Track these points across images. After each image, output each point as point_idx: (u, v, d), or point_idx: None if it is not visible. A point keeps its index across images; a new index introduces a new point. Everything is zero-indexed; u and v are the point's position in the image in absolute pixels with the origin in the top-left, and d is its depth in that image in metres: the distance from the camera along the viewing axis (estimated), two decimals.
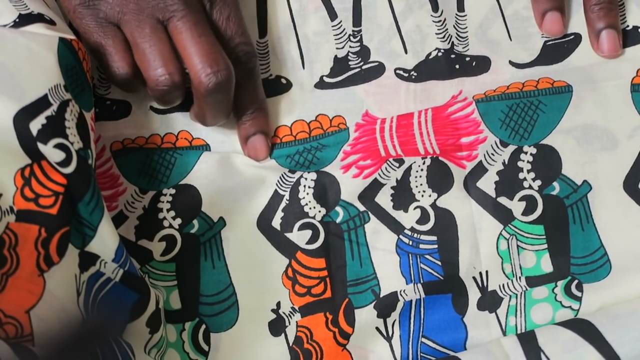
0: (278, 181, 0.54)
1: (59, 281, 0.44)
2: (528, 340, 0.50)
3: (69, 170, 0.45)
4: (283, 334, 0.53)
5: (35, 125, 0.44)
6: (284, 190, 0.54)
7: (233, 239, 0.54)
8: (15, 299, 0.42)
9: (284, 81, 0.56)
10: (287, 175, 0.54)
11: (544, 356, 0.49)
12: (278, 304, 0.53)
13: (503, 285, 0.53)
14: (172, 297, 0.53)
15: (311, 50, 0.56)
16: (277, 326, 0.53)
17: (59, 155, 0.45)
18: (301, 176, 0.54)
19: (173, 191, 0.54)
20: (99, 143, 0.55)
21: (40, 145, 0.44)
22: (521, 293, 0.53)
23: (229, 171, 0.54)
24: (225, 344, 0.53)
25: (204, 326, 0.53)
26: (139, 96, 0.55)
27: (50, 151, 0.44)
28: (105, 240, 0.47)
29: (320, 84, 0.56)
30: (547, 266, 0.53)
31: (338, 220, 0.54)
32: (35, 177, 0.44)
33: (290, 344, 0.53)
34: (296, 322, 0.53)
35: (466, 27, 0.56)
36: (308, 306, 0.53)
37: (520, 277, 0.53)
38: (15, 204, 0.43)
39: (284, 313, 0.53)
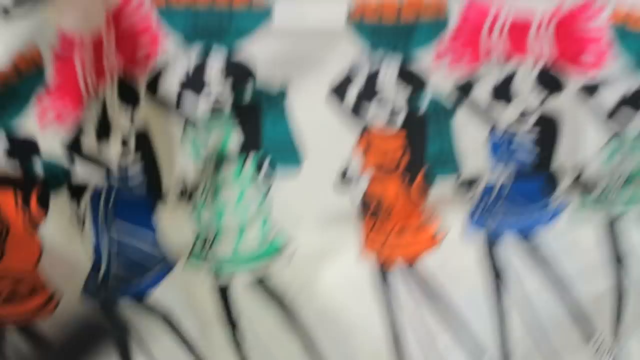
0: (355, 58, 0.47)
1: (55, 230, 0.43)
2: None
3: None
4: (349, 193, 0.49)
5: None
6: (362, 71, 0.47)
7: (298, 107, 0.47)
8: (19, 257, 0.43)
9: None
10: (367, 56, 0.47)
11: None
12: (346, 168, 0.48)
13: (600, 182, 0.48)
14: (232, 137, 0.48)
15: None
16: (343, 183, 0.49)
17: None
18: (383, 59, 0.46)
19: (226, 52, 0.47)
20: None
21: None
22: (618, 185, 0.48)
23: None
24: (286, 186, 0.48)
25: (268, 159, 0.48)
26: None
27: None
28: (85, 173, 0.44)
29: None
30: None
31: (423, 106, 0.47)
32: None
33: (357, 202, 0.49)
34: (364, 186, 0.49)
35: None
36: (378, 176, 0.48)
37: (621, 178, 0.48)
38: None
39: (352, 175, 0.48)
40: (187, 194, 0.47)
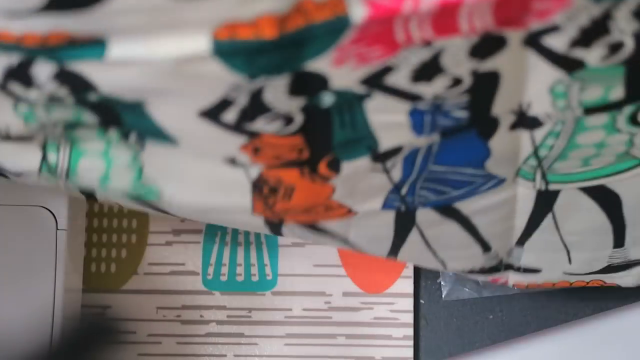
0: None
1: None
2: None
3: None
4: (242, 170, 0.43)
5: None
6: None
7: (163, 119, 0.40)
8: None
9: None
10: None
11: None
12: (232, 160, 0.42)
13: (549, 114, 0.41)
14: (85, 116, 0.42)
15: None
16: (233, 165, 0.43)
17: None
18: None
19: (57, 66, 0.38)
20: None
21: None
22: (574, 119, 0.41)
23: None
24: (162, 152, 0.42)
25: (135, 133, 0.42)
26: None
27: None
28: None
29: None
30: (617, 94, 0.40)
31: (325, 104, 0.39)
32: None
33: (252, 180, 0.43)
34: (259, 172, 0.43)
35: None
36: (275, 164, 0.43)
37: (576, 108, 0.41)
38: None
39: (242, 164, 0.42)
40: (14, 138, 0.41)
